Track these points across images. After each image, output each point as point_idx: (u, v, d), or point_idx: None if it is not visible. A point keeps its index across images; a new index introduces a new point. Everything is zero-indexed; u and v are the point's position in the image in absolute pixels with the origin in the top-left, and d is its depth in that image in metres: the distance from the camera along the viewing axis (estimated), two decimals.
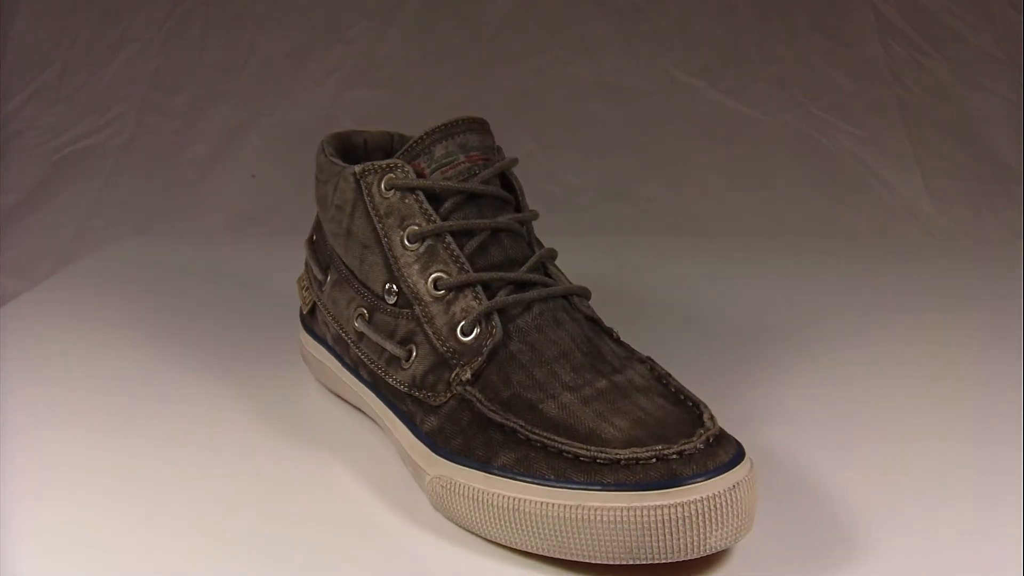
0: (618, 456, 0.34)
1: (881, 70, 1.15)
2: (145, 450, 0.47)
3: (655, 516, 0.33)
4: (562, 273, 0.45)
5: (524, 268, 0.43)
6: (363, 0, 1.23)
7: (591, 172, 1.17)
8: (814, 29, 1.17)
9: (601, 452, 0.35)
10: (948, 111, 1.14)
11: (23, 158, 1.23)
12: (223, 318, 0.65)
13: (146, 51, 1.25)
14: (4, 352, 0.58)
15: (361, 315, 0.46)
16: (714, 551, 0.34)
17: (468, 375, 0.40)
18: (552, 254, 0.45)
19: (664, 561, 0.34)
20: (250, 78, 1.24)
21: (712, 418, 0.37)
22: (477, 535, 0.38)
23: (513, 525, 0.37)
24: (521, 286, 0.42)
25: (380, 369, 0.45)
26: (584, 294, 0.44)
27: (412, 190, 0.43)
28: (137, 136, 1.25)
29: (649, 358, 0.42)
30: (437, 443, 0.40)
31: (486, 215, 0.43)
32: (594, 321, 0.43)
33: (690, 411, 0.38)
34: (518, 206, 0.45)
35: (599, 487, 0.34)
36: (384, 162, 0.44)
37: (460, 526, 0.39)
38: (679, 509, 0.33)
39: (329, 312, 0.49)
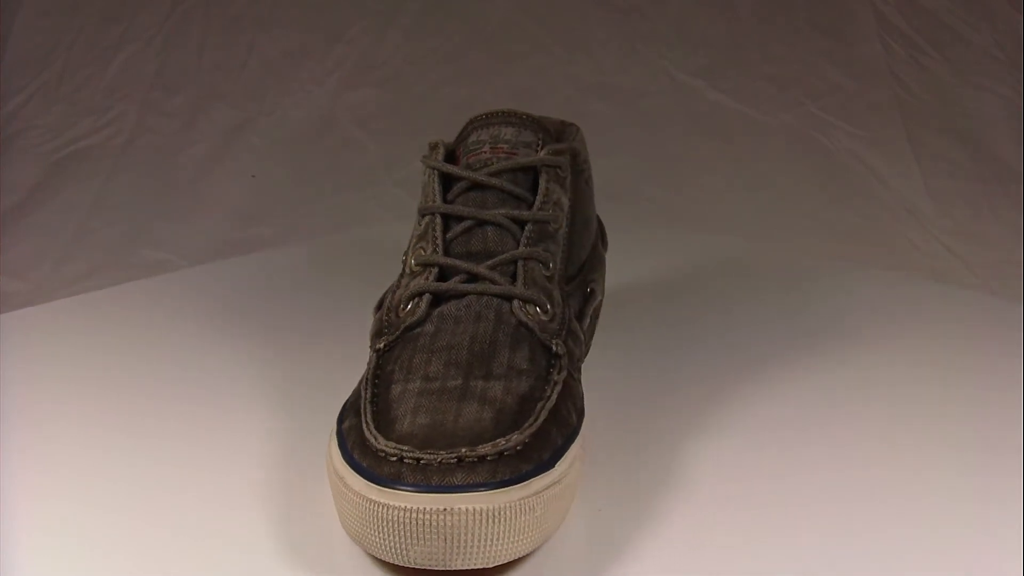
0: (377, 447, 0.36)
1: (881, 70, 1.16)
2: (152, 450, 0.47)
3: (368, 509, 0.34)
4: (533, 276, 0.43)
5: (489, 263, 0.43)
6: (363, 0, 1.23)
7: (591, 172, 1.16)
8: (814, 29, 1.17)
9: (375, 439, 0.36)
10: (948, 111, 1.14)
11: (23, 158, 1.23)
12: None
13: (146, 51, 1.25)
14: (12, 353, 0.58)
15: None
16: (422, 567, 0.34)
17: (381, 345, 0.42)
18: (539, 256, 0.44)
19: (380, 557, 0.35)
20: (250, 78, 1.24)
21: (498, 444, 0.35)
22: None
23: (330, 486, 0.39)
24: (474, 278, 0.43)
25: None
26: (531, 300, 0.42)
27: (432, 170, 0.46)
28: (137, 136, 1.25)
29: (565, 383, 0.40)
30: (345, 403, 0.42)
31: (487, 207, 0.44)
32: (528, 329, 0.42)
33: (505, 435, 0.36)
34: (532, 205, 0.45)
35: (357, 470, 0.36)
36: (434, 141, 0.47)
37: None
38: (381, 509, 0.34)
39: None
